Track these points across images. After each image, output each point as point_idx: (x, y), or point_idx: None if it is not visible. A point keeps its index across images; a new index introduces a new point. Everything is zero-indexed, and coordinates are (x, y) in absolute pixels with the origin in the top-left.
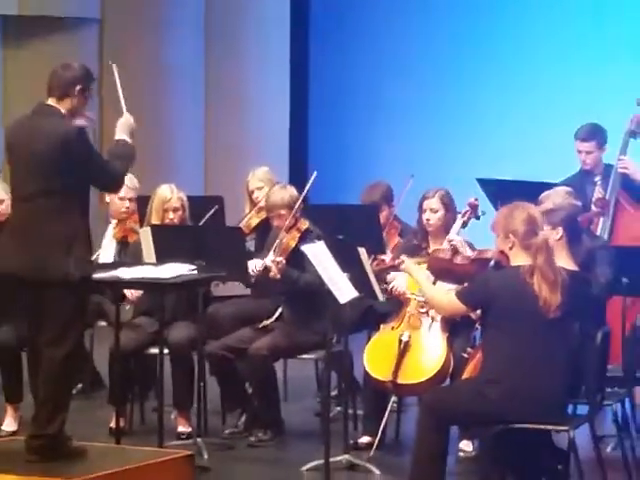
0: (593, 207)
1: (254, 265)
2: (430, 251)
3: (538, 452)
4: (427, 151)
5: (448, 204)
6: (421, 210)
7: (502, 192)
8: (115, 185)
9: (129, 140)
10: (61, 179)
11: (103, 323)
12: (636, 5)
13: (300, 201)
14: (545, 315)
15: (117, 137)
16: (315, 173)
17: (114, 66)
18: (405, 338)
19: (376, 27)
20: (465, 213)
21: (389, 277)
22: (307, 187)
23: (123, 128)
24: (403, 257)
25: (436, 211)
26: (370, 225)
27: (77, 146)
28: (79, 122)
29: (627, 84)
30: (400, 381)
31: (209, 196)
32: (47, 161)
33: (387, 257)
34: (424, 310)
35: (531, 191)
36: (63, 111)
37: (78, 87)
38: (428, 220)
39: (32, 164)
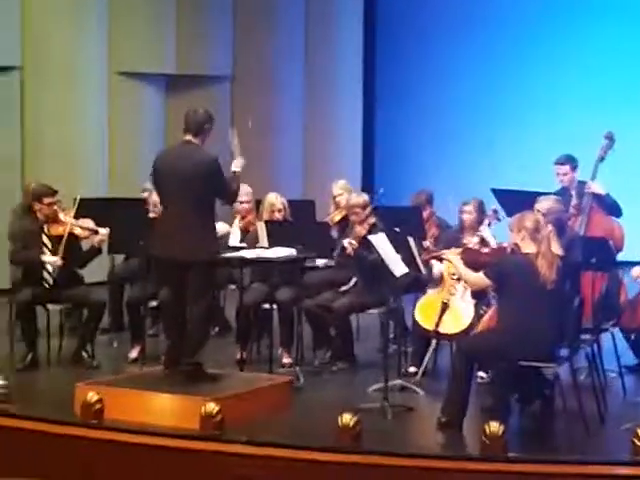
0: (572, 209)
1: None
2: (464, 242)
3: (533, 381)
4: (463, 166)
5: (478, 208)
6: (461, 212)
7: (508, 197)
8: (232, 199)
9: (239, 171)
10: (203, 192)
11: (232, 286)
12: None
13: (371, 205)
14: (544, 287)
15: (233, 169)
16: (382, 190)
17: (235, 131)
18: (445, 301)
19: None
20: (489, 217)
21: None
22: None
23: (237, 164)
24: (444, 250)
25: (470, 212)
26: (416, 221)
27: (215, 171)
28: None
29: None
30: (441, 330)
31: (305, 200)
32: (195, 179)
33: (427, 243)
34: (458, 281)
35: (528, 198)
36: (198, 144)
37: (207, 126)
38: (464, 218)
39: (182, 182)
